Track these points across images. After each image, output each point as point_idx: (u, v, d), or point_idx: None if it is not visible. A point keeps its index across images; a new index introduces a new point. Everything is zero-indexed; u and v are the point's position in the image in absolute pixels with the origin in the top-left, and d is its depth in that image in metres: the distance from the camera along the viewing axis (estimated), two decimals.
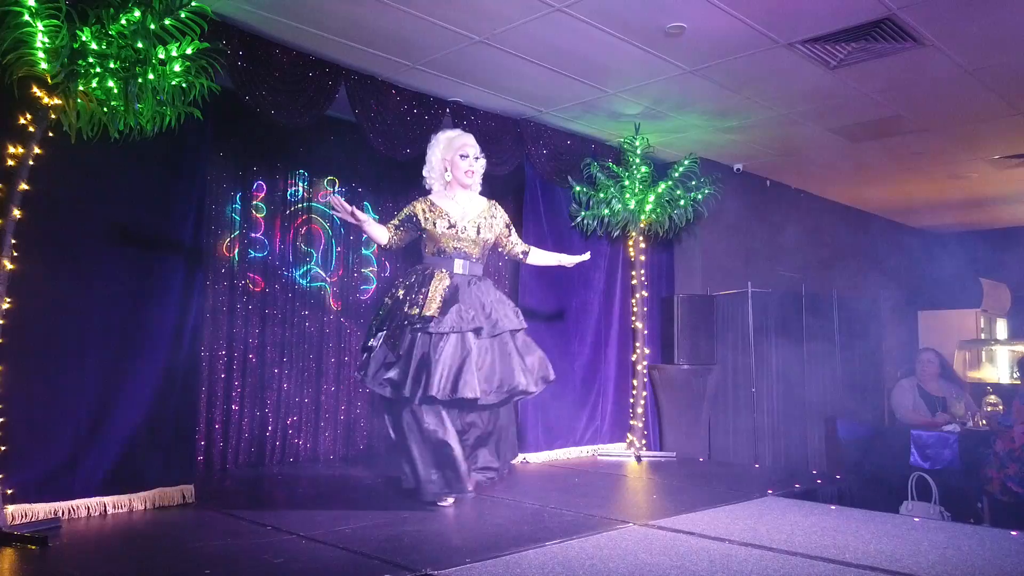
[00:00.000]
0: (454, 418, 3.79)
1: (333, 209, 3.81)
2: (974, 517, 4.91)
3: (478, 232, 4.00)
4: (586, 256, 4.44)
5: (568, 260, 4.36)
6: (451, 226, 3.94)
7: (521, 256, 4.27)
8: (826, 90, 5.21)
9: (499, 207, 4.18)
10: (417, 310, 3.71)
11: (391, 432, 3.92)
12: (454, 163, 4.01)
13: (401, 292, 3.87)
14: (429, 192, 4.12)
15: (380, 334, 3.82)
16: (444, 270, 3.89)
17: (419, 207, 4.00)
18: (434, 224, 3.94)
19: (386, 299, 3.97)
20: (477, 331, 3.73)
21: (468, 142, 4.05)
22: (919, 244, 10.07)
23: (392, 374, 3.70)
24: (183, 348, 3.90)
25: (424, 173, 4.11)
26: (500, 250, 4.24)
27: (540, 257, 4.35)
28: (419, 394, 3.60)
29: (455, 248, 3.94)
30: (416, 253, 4.24)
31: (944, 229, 10.44)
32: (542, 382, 3.94)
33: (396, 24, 4.21)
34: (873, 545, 3.09)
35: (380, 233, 3.99)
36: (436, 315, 3.68)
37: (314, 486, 4.43)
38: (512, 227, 4.23)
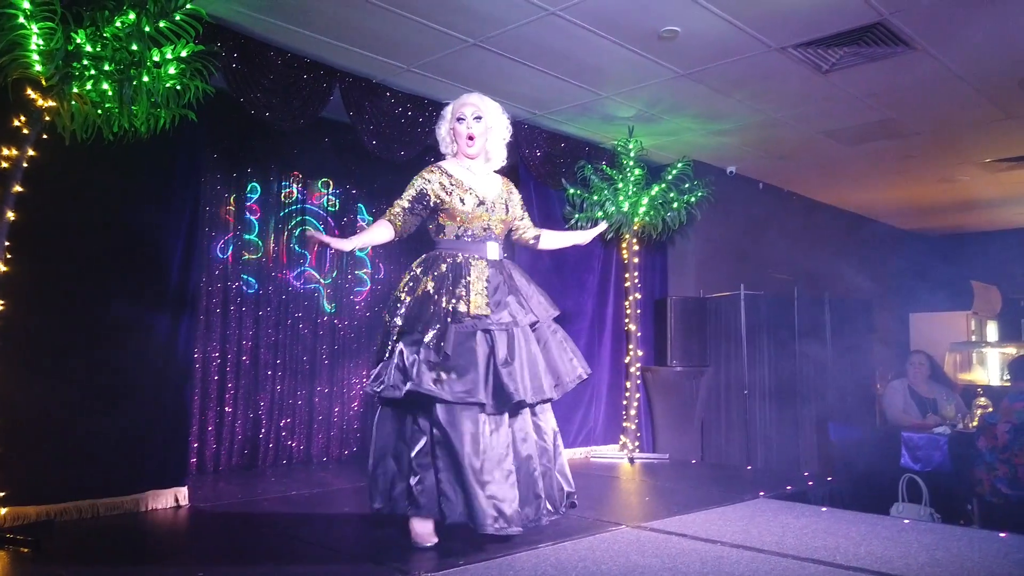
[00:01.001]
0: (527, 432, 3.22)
1: (308, 246, 3.43)
2: (964, 519, 4.94)
3: (507, 211, 3.36)
4: (602, 227, 3.90)
5: (584, 237, 3.71)
6: (480, 203, 3.26)
7: (532, 241, 3.60)
8: (818, 94, 5.24)
9: (512, 184, 3.55)
10: (465, 306, 3.07)
11: (429, 453, 3.06)
12: (455, 131, 3.35)
13: (431, 286, 3.13)
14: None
15: (408, 337, 3.11)
16: (478, 256, 3.23)
17: (434, 179, 3.25)
18: (461, 200, 3.22)
19: (400, 294, 3.21)
20: (534, 324, 3.25)
21: (467, 101, 3.35)
22: (910, 246, 10.13)
23: (454, 379, 2.99)
24: (177, 349, 3.90)
25: (442, 151, 3.48)
26: (511, 234, 3.55)
27: (553, 240, 3.67)
28: (502, 402, 3.04)
29: (485, 230, 3.27)
30: (417, 242, 3.74)
31: (935, 231, 10.50)
32: (585, 372, 3.41)
33: (391, 27, 4.22)
34: (864, 547, 3.11)
35: (382, 233, 3.22)
36: (489, 312, 3.09)
37: (307, 488, 4.43)
38: (526, 208, 3.62)
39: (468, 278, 3.15)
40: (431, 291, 3.12)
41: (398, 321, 3.14)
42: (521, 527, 2.97)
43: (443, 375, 2.99)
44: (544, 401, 3.23)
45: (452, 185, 3.24)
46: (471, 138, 3.31)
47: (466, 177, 3.31)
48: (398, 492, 3.10)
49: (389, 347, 3.16)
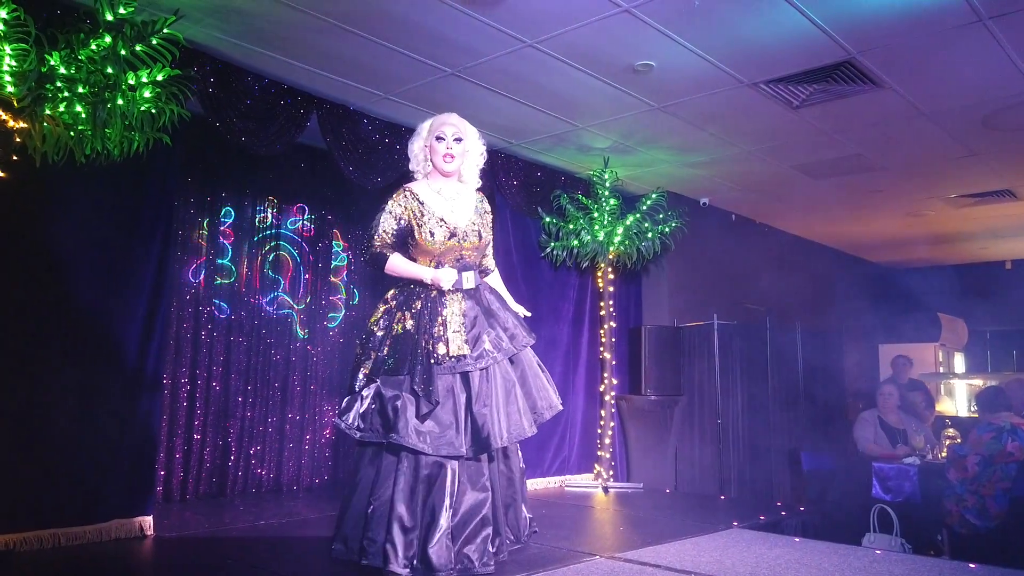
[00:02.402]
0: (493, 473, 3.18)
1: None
2: (934, 550, 4.97)
3: (480, 237, 3.28)
4: (528, 313, 3.62)
5: (520, 309, 3.53)
6: (452, 235, 3.18)
7: (490, 272, 3.54)
8: (789, 128, 5.35)
9: (486, 201, 3.45)
10: (444, 347, 3.03)
11: (394, 499, 2.98)
12: (432, 148, 3.27)
13: (409, 324, 3.09)
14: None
15: (392, 379, 3.03)
16: (454, 288, 3.18)
17: (408, 207, 3.20)
18: (431, 234, 3.15)
19: (374, 328, 3.18)
20: (512, 359, 3.19)
21: (447, 121, 3.31)
22: (879, 279, 10.30)
23: (437, 428, 2.96)
24: (145, 374, 3.83)
25: (411, 168, 3.41)
26: None
27: (498, 286, 3.56)
28: (479, 447, 3.01)
29: (458, 260, 3.22)
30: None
31: (903, 265, 10.70)
32: (559, 404, 3.34)
33: (369, 55, 4.25)
34: None
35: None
36: (467, 351, 3.04)
37: (277, 518, 4.34)
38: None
39: (443, 315, 3.10)
40: (411, 330, 3.07)
41: (375, 356, 3.09)
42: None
43: (427, 426, 2.95)
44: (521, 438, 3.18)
45: (422, 214, 3.18)
46: (451, 157, 3.26)
47: (436, 204, 3.23)
48: (368, 541, 2.99)
49: (362, 381, 3.10)
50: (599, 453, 6.16)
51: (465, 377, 3.06)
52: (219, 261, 5.16)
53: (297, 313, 5.55)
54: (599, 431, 6.21)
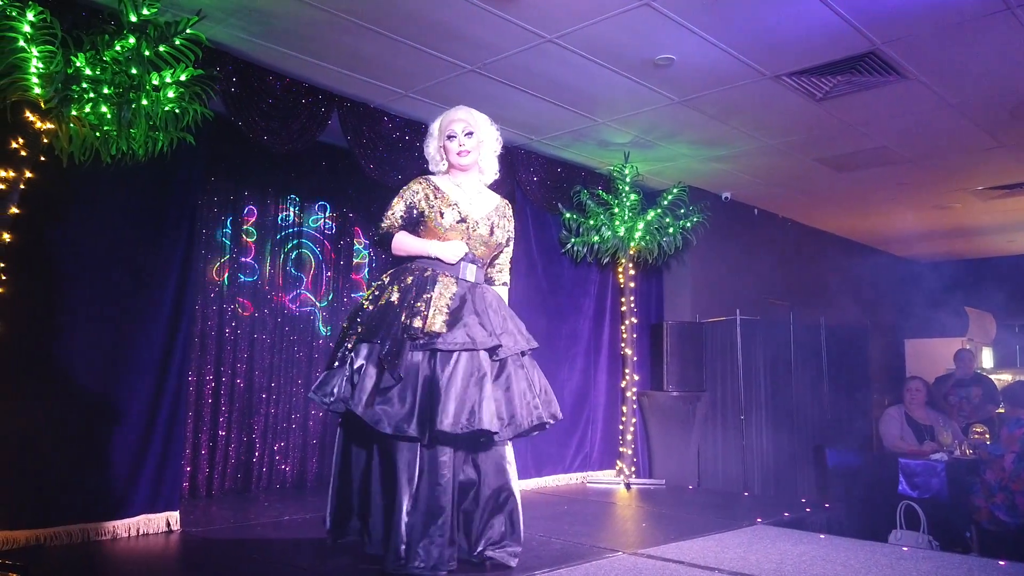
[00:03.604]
0: (457, 467, 3.01)
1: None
2: (962, 547, 4.91)
3: (491, 232, 3.22)
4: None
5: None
6: (461, 219, 3.13)
7: (497, 284, 3.39)
8: (812, 121, 5.29)
9: (511, 209, 3.40)
10: (420, 322, 2.91)
11: (354, 477, 3.03)
12: (446, 148, 3.25)
13: (395, 296, 3.02)
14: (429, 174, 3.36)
15: (363, 347, 2.98)
16: (449, 275, 3.09)
17: (421, 190, 3.18)
18: (440, 214, 3.10)
19: (364, 303, 3.13)
20: (493, 351, 3.00)
21: (455, 118, 3.26)
22: (906, 273, 10.17)
23: (393, 404, 2.85)
24: (171, 373, 3.88)
25: (431, 169, 3.37)
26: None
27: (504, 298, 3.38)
28: (428, 431, 2.84)
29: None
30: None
31: (930, 258, 10.55)
32: (551, 417, 3.13)
33: (389, 53, 4.26)
34: (863, 575, 3.08)
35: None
36: (443, 330, 2.91)
37: (300, 513, 4.38)
38: (511, 244, 3.42)
39: (430, 293, 3.00)
40: (395, 302, 3.01)
41: (358, 329, 3.03)
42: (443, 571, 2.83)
43: (387, 400, 2.86)
44: (482, 433, 2.89)
45: (436, 198, 3.14)
46: (465, 152, 3.22)
47: (452, 192, 3.20)
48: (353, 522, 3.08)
49: (340, 354, 3.04)
50: (621, 449, 6.14)
51: (432, 355, 2.92)
52: (242, 259, 5.21)
53: (320, 310, 5.58)
54: (621, 427, 6.19)
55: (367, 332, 2.99)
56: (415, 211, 3.16)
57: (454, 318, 2.96)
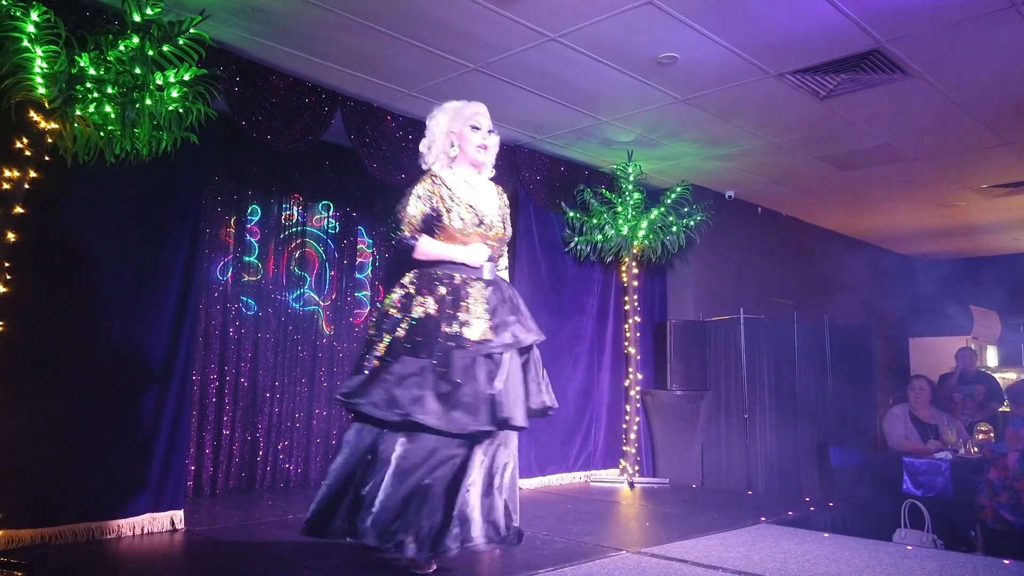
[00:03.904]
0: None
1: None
2: (967, 546, 4.89)
3: (504, 228, 3.23)
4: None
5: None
6: (480, 222, 3.12)
7: (500, 270, 3.43)
8: (816, 119, 5.28)
9: (505, 196, 3.38)
10: (468, 332, 2.96)
11: (410, 479, 2.92)
12: (463, 136, 3.21)
13: (432, 307, 3.01)
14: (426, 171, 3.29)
15: (411, 360, 2.95)
16: (474, 277, 3.10)
17: (436, 191, 3.12)
18: (461, 219, 3.08)
19: (391, 310, 3.08)
20: (527, 348, 3.12)
21: (480, 111, 3.26)
22: (910, 271, 10.14)
23: (460, 409, 2.89)
24: (175, 372, 3.89)
25: (422, 148, 3.31)
26: None
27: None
28: (497, 428, 2.96)
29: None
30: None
31: (935, 256, 10.52)
32: (553, 402, 3.23)
33: (392, 52, 4.26)
34: (867, 574, 3.08)
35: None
36: (491, 336, 2.97)
37: (305, 512, 4.36)
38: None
39: (467, 301, 3.02)
40: (433, 314, 2.99)
41: (391, 337, 2.99)
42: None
43: (448, 406, 2.88)
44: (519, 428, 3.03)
45: (452, 200, 3.09)
46: (485, 148, 3.21)
47: (464, 192, 3.16)
48: (358, 520, 2.93)
49: (374, 362, 2.99)
50: (624, 448, 6.14)
51: (487, 359, 2.98)
52: (246, 259, 5.21)
53: (323, 309, 5.59)
54: (624, 426, 6.19)
55: (414, 347, 2.96)
56: (433, 213, 3.09)
57: (496, 321, 3.02)
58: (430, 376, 2.91)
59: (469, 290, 3.05)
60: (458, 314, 2.99)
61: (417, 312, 3.01)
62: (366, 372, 2.99)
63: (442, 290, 3.05)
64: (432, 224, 3.10)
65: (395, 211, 3.15)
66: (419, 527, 2.84)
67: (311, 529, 3.03)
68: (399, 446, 2.92)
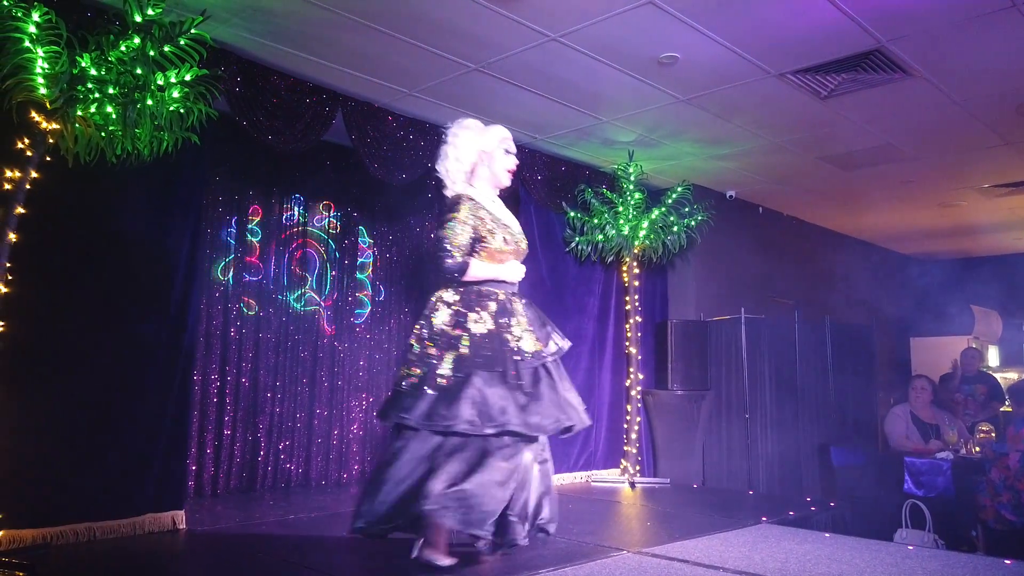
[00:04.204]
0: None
1: None
2: (968, 546, 4.89)
3: (526, 243, 3.44)
4: None
5: None
6: (514, 240, 3.33)
7: None
8: (817, 119, 5.28)
9: None
10: (527, 344, 3.17)
11: (505, 478, 3.06)
12: (494, 157, 3.37)
13: (489, 324, 3.16)
14: (442, 188, 3.42)
15: (482, 375, 3.07)
16: (511, 293, 3.31)
17: (476, 212, 3.25)
18: (503, 240, 3.27)
19: (443, 326, 3.17)
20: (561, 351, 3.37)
21: (509, 135, 3.45)
22: (910, 271, 10.14)
23: (534, 414, 3.09)
24: (176, 372, 3.89)
25: (444, 166, 3.38)
26: None
27: None
28: (567, 428, 3.22)
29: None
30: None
31: (936, 256, 10.51)
32: None
33: (393, 52, 4.26)
34: (868, 574, 3.08)
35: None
36: (541, 347, 3.21)
37: (305, 512, 4.39)
38: None
39: (516, 316, 3.22)
40: (494, 330, 3.15)
41: (453, 355, 3.08)
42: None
43: (527, 414, 3.07)
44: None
45: (493, 223, 3.26)
46: (512, 174, 3.44)
47: (498, 212, 3.34)
48: (411, 515, 2.99)
49: (441, 380, 3.05)
50: (625, 448, 6.14)
51: (544, 368, 3.22)
52: (247, 259, 5.21)
53: (325, 309, 5.59)
54: (625, 426, 6.19)
55: (486, 362, 3.09)
56: (476, 235, 3.21)
57: (539, 333, 3.26)
58: (505, 388, 3.08)
59: (514, 306, 3.26)
60: (512, 328, 3.18)
61: (477, 328, 3.15)
62: (431, 392, 3.05)
63: (493, 306, 3.21)
64: (474, 245, 3.23)
65: (440, 237, 3.22)
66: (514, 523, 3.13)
67: (369, 532, 3.13)
68: (488, 453, 3.06)
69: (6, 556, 3.07)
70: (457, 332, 3.13)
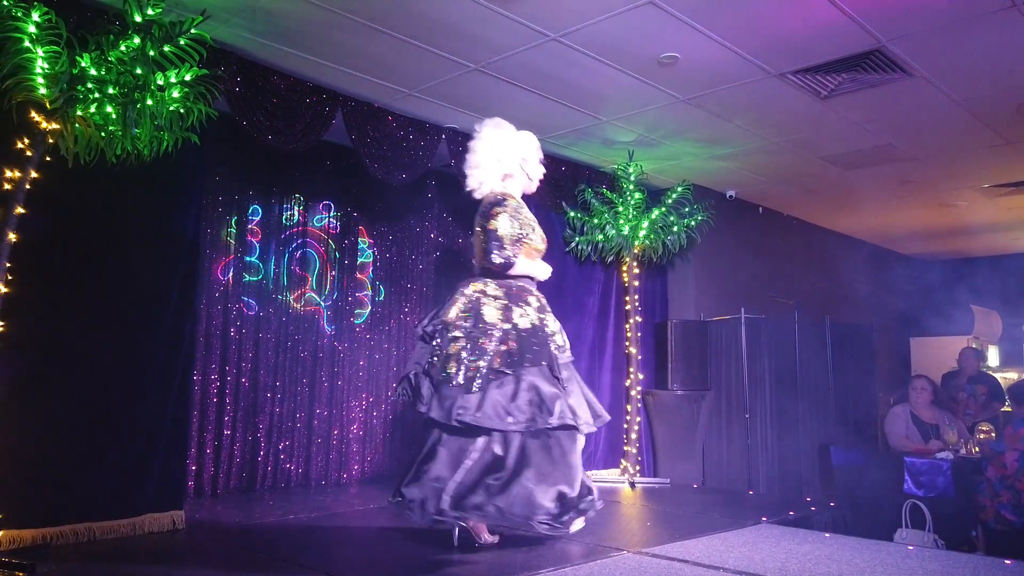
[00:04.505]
0: None
1: None
2: (968, 546, 4.89)
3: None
4: None
5: None
6: (544, 241, 3.56)
7: None
8: (817, 119, 5.28)
9: None
10: (560, 340, 3.37)
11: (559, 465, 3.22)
12: (526, 162, 3.54)
13: (534, 318, 3.30)
14: (468, 191, 3.59)
15: (533, 370, 3.18)
16: (540, 292, 3.48)
17: (519, 212, 3.42)
18: (542, 239, 3.50)
19: (495, 322, 3.24)
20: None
21: (538, 145, 3.67)
22: (911, 271, 10.14)
23: (582, 408, 3.28)
24: (176, 372, 3.89)
25: (481, 164, 3.50)
26: None
27: None
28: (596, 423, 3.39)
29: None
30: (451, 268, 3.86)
31: (936, 256, 10.51)
32: None
33: (393, 52, 4.26)
34: (868, 574, 3.08)
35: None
36: (566, 344, 3.43)
37: (305, 512, 4.39)
38: None
39: (548, 312, 3.39)
40: (537, 325, 3.28)
41: (508, 347, 3.17)
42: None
43: (576, 408, 3.21)
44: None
45: (531, 221, 3.45)
46: (537, 183, 3.64)
47: (528, 212, 3.51)
48: (456, 502, 3.09)
49: (490, 375, 3.12)
50: (625, 448, 6.14)
51: (568, 364, 3.37)
52: (247, 259, 5.21)
53: (324, 309, 5.59)
54: (625, 426, 6.19)
55: (534, 356, 3.21)
56: (521, 233, 3.38)
57: (562, 331, 3.44)
58: (552, 383, 3.19)
59: (545, 302, 3.42)
60: (548, 324, 3.34)
61: (524, 323, 3.26)
62: (486, 386, 3.12)
63: (533, 301, 3.37)
64: (516, 244, 3.38)
65: (490, 231, 3.32)
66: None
67: (440, 518, 3.15)
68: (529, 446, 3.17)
69: (6, 556, 3.07)
70: (506, 326, 3.22)
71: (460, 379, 3.11)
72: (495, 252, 3.27)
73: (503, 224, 3.30)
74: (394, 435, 5.79)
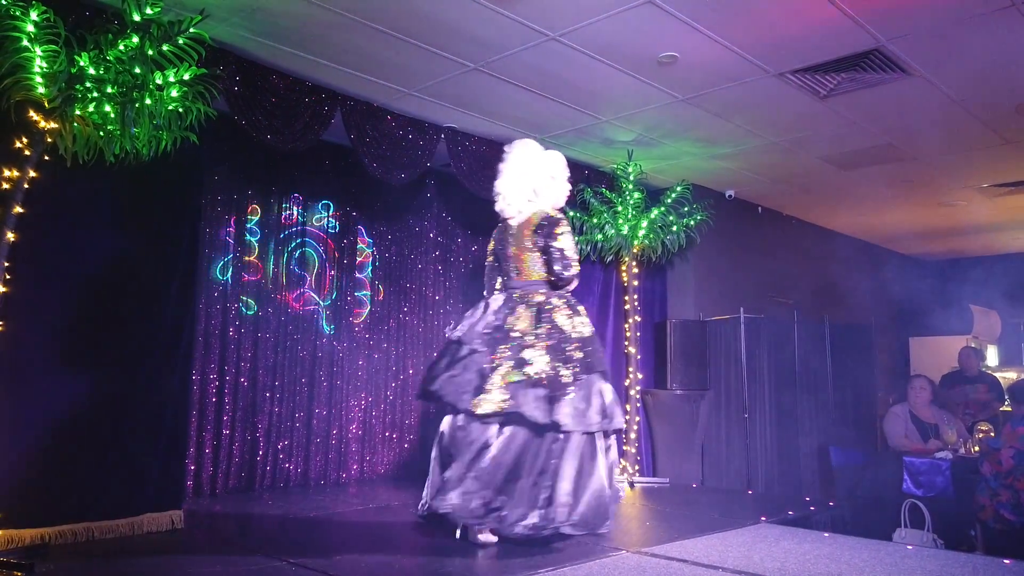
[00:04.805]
0: None
1: None
2: (967, 545, 4.89)
3: None
4: None
5: None
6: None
7: None
8: (816, 119, 5.28)
9: None
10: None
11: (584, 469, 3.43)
12: (560, 181, 3.80)
13: (591, 328, 3.66)
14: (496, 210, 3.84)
15: (595, 375, 3.50)
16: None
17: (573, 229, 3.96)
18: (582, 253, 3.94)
19: (566, 328, 3.52)
20: None
21: (566, 163, 3.91)
22: (910, 270, 10.14)
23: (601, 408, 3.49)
24: (175, 371, 3.88)
25: (548, 179, 3.73)
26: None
27: None
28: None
29: None
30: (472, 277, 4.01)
31: (935, 255, 10.52)
32: None
33: (392, 51, 4.26)
34: (867, 574, 3.08)
35: None
36: None
37: (304, 511, 4.39)
38: None
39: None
40: (593, 332, 3.61)
41: (584, 352, 3.46)
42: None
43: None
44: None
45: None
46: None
47: None
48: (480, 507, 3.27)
49: (573, 380, 3.38)
50: (625, 448, 6.13)
51: None
52: (246, 258, 5.21)
53: (323, 309, 5.58)
54: (624, 426, 6.18)
55: (595, 363, 3.53)
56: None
57: None
58: (609, 387, 3.53)
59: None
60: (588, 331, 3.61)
61: (587, 331, 3.56)
62: (572, 390, 3.38)
63: (582, 310, 3.68)
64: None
65: (564, 247, 3.58)
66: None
67: (482, 519, 3.31)
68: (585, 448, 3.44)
69: (5, 556, 3.07)
70: (576, 334, 3.49)
71: (552, 386, 3.33)
72: (570, 268, 3.59)
73: (569, 243, 3.59)
74: (393, 435, 5.79)
